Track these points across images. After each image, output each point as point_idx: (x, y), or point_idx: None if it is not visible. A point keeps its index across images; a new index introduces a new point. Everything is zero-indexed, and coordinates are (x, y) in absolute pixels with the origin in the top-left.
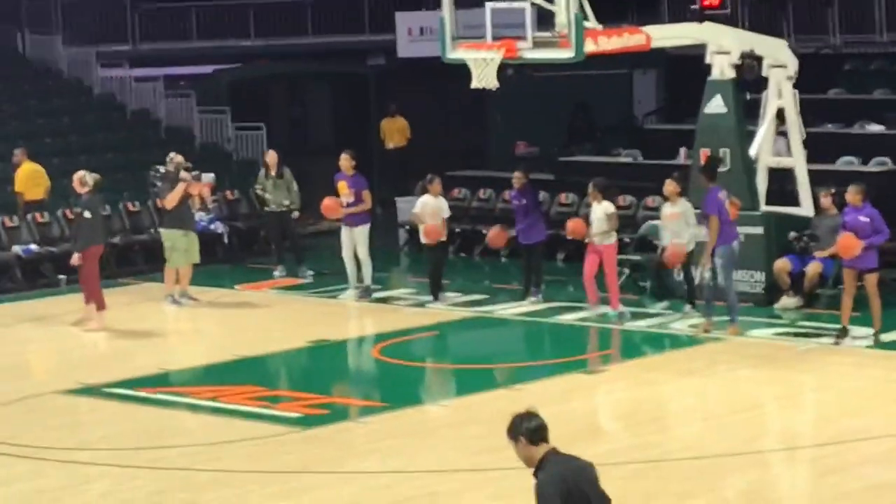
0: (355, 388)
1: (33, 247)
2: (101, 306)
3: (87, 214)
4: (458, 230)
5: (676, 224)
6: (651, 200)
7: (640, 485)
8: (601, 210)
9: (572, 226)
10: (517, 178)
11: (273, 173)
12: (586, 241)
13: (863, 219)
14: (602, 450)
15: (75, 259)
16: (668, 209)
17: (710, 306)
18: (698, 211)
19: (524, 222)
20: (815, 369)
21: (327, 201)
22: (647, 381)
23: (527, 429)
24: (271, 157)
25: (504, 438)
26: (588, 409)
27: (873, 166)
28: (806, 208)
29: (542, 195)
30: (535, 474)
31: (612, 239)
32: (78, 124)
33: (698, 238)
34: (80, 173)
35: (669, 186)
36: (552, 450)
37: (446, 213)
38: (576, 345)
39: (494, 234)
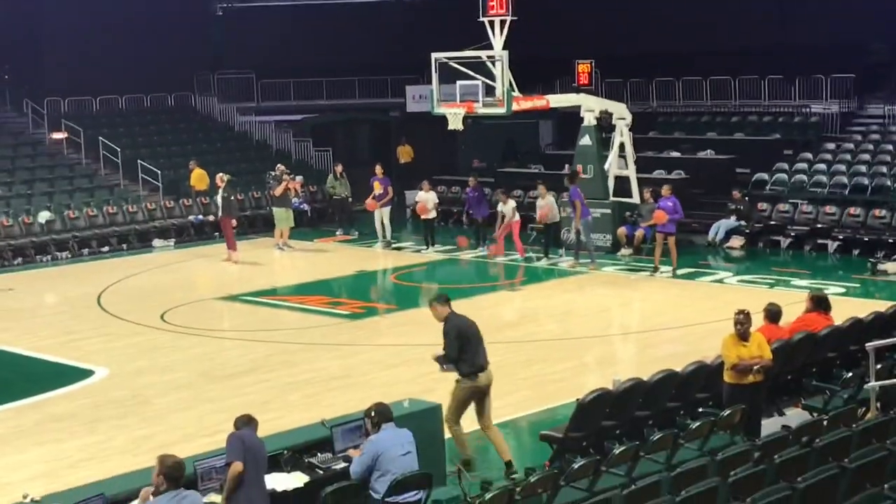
0: (381, 298)
1: (200, 217)
2: (234, 249)
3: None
4: (439, 210)
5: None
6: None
7: (536, 353)
8: (544, 201)
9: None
10: (472, 180)
11: (338, 176)
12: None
13: (670, 204)
14: (517, 333)
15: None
16: (541, 201)
17: (577, 254)
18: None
19: (476, 206)
20: (640, 289)
21: (368, 202)
22: (543, 295)
23: (440, 297)
24: (338, 167)
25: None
26: (508, 310)
27: (673, 175)
28: (635, 198)
29: (486, 190)
30: (445, 319)
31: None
32: (224, 148)
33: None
34: (220, 175)
35: (541, 188)
36: (452, 311)
37: (435, 201)
38: (506, 275)
39: (461, 241)
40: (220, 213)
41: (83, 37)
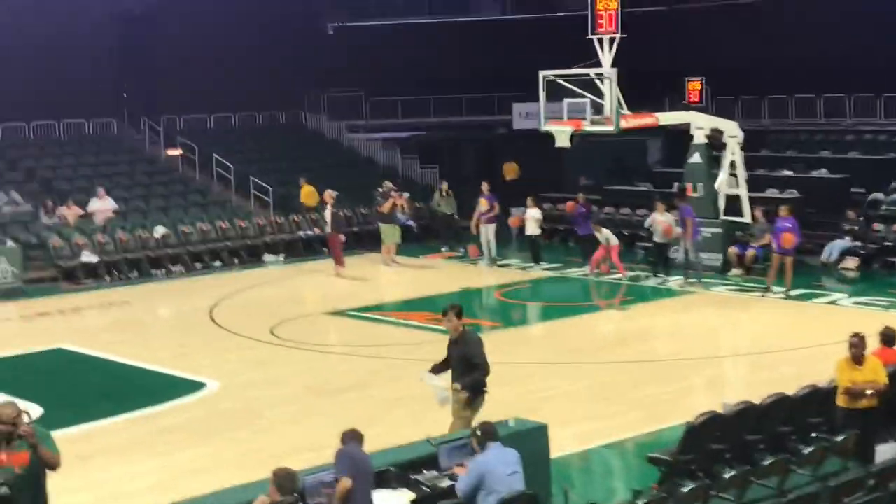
0: (485, 314)
1: (309, 232)
2: (342, 265)
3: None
4: (544, 227)
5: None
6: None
7: (645, 374)
8: (663, 217)
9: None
10: (579, 197)
11: (444, 194)
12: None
13: (788, 225)
14: (626, 353)
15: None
16: (658, 216)
17: (686, 273)
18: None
19: (582, 224)
20: (751, 310)
21: (511, 219)
22: (652, 315)
23: (455, 310)
24: (444, 184)
25: (569, 344)
26: (616, 330)
27: (786, 194)
28: (746, 218)
29: (593, 208)
30: (463, 333)
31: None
32: (333, 165)
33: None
34: (328, 191)
35: (659, 205)
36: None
37: (539, 218)
38: (613, 293)
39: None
40: (328, 229)
41: (198, 56)
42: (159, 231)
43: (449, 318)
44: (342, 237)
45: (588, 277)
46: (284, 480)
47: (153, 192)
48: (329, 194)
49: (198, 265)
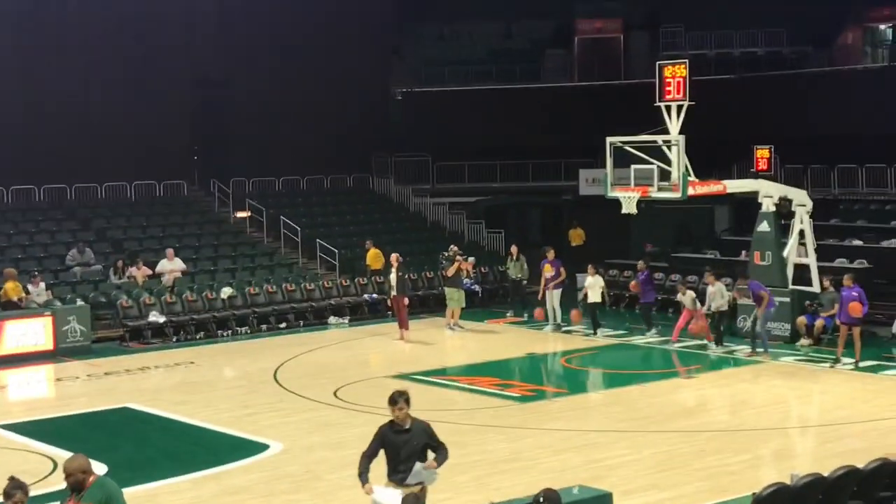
0: (551, 381)
1: (374, 295)
2: (406, 328)
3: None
4: (609, 294)
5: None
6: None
7: (711, 444)
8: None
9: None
10: (641, 264)
11: (514, 258)
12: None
13: (855, 294)
14: (691, 422)
15: (393, 300)
16: (711, 289)
17: (754, 343)
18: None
19: (644, 290)
20: (819, 381)
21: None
22: (718, 384)
23: (406, 397)
24: (514, 248)
25: (634, 412)
26: (681, 398)
27: (856, 264)
28: (815, 287)
29: (659, 275)
30: (415, 422)
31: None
32: (399, 229)
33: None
34: (395, 254)
35: (709, 276)
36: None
37: (601, 285)
38: (680, 362)
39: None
40: (393, 292)
41: (268, 120)
42: (226, 292)
43: (401, 406)
44: (407, 300)
45: (654, 346)
46: None
47: (221, 253)
48: (395, 257)
49: (263, 327)
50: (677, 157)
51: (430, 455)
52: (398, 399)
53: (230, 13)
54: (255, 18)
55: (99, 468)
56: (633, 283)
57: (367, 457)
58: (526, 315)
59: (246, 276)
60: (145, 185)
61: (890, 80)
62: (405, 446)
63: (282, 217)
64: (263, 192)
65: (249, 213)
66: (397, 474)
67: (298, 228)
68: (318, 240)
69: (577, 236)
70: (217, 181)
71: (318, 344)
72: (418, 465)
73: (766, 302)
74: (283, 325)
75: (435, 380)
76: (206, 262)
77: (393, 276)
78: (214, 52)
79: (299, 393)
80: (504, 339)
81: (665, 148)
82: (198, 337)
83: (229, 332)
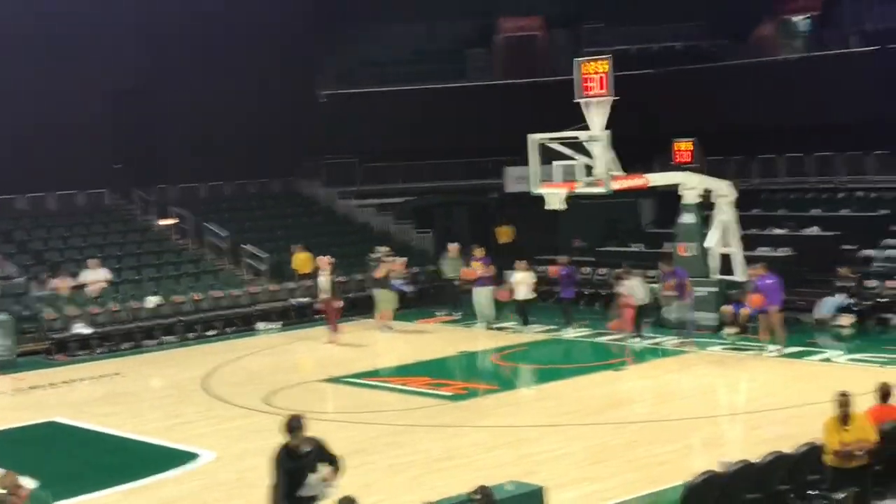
0: (482, 379)
1: (303, 299)
2: (337, 331)
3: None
4: (538, 290)
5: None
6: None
7: (642, 435)
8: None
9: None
10: (562, 260)
11: (453, 257)
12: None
13: (768, 282)
14: (621, 414)
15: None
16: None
17: (681, 333)
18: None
19: (565, 286)
20: (747, 369)
21: (464, 271)
22: (647, 375)
23: (302, 424)
24: (454, 247)
25: (565, 406)
26: (612, 391)
27: (779, 252)
28: (740, 276)
29: (587, 270)
30: (311, 442)
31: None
32: (327, 232)
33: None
34: (324, 257)
35: (624, 272)
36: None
37: (532, 281)
38: (606, 355)
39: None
40: (323, 296)
41: (191, 125)
42: (152, 301)
43: (298, 434)
44: (337, 304)
45: (584, 340)
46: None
47: (145, 262)
48: (324, 261)
49: (191, 335)
50: (601, 153)
51: (325, 468)
52: (295, 427)
53: (150, 18)
54: (176, 23)
55: (28, 484)
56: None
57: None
58: (459, 313)
59: (171, 284)
60: (67, 196)
61: (806, 70)
62: (306, 468)
63: (207, 223)
64: (188, 198)
65: (174, 220)
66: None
67: (224, 234)
68: (244, 245)
69: (505, 234)
70: (140, 189)
71: (248, 350)
72: (313, 478)
73: (687, 291)
74: (211, 332)
75: (367, 382)
76: (131, 272)
77: (323, 280)
78: (135, 59)
79: (229, 400)
80: (435, 339)
81: (589, 144)
82: (124, 347)
83: (156, 341)
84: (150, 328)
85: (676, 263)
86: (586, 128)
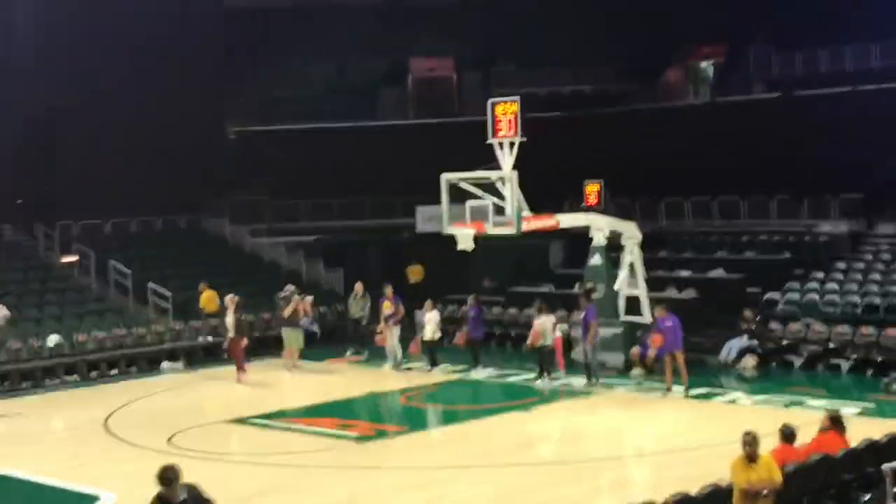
0: (391, 420)
1: (209, 338)
2: (244, 371)
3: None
4: (442, 329)
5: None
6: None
7: (550, 476)
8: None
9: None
10: (471, 300)
11: (359, 296)
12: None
13: (669, 324)
14: (530, 455)
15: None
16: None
17: (588, 374)
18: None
19: (474, 326)
20: (653, 410)
21: (377, 338)
22: (555, 416)
23: (175, 474)
24: (359, 286)
25: (474, 447)
26: (519, 432)
27: (684, 294)
28: (646, 318)
29: (497, 309)
30: (186, 489)
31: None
32: (235, 270)
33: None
34: (230, 296)
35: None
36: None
37: (437, 321)
38: (515, 395)
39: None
40: (230, 335)
41: (95, 161)
42: (53, 340)
43: (173, 485)
44: (244, 342)
45: (492, 381)
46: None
47: (47, 299)
48: (231, 299)
49: (93, 374)
50: (510, 193)
51: None
52: (170, 478)
53: (53, 49)
54: (80, 54)
55: None
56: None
57: None
58: (366, 353)
59: (74, 322)
60: None
61: (712, 115)
62: None
63: (111, 261)
64: (91, 235)
65: (77, 258)
66: None
67: (129, 272)
68: (149, 283)
69: (415, 273)
70: (42, 225)
71: (152, 390)
72: None
73: (593, 332)
74: (114, 371)
75: (273, 423)
76: (32, 309)
77: (229, 319)
78: (37, 91)
79: (132, 441)
80: (344, 379)
81: (499, 184)
82: (24, 387)
83: (57, 380)
84: (51, 367)
85: (584, 305)
86: (498, 168)
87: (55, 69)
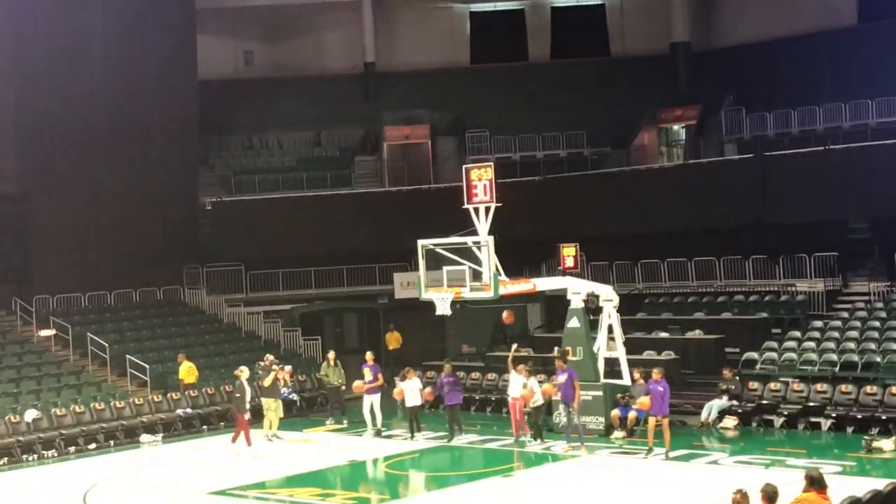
0: (373, 488)
1: (189, 410)
2: (235, 440)
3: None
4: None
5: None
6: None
7: None
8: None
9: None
10: (445, 367)
11: (332, 364)
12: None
13: (660, 388)
14: None
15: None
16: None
17: (570, 437)
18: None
19: (450, 393)
20: (635, 472)
21: (355, 385)
22: (538, 480)
23: None
24: (331, 355)
25: None
26: (502, 498)
27: (663, 356)
28: (626, 380)
29: (476, 374)
30: None
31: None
32: (213, 341)
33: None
34: (241, 368)
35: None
36: None
37: (419, 388)
38: (499, 461)
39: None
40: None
41: (72, 234)
42: (31, 415)
43: None
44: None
45: (473, 447)
46: None
47: (24, 374)
48: (242, 371)
49: (72, 449)
50: (487, 258)
51: None
52: None
53: (29, 123)
54: (56, 129)
55: None
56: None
57: None
58: (346, 421)
59: (52, 396)
60: None
61: (685, 177)
62: None
63: (88, 334)
64: (69, 308)
65: (54, 331)
66: None
67: (106, 345)
68: (127, 355)
69: (394, 340)
70: (19, 299)
71: (131, 464)
72: None
73: (578, 394)
74: (93, 446)
75: (254, 494)
76: (9, 384)
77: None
78: (13, 165)
79: None
80: (325, 448)
81: (476, 249)
82: (1, 463)
83: (35, 456)
84: (28, 443)
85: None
86: (474, 234)
87: (32, 145)
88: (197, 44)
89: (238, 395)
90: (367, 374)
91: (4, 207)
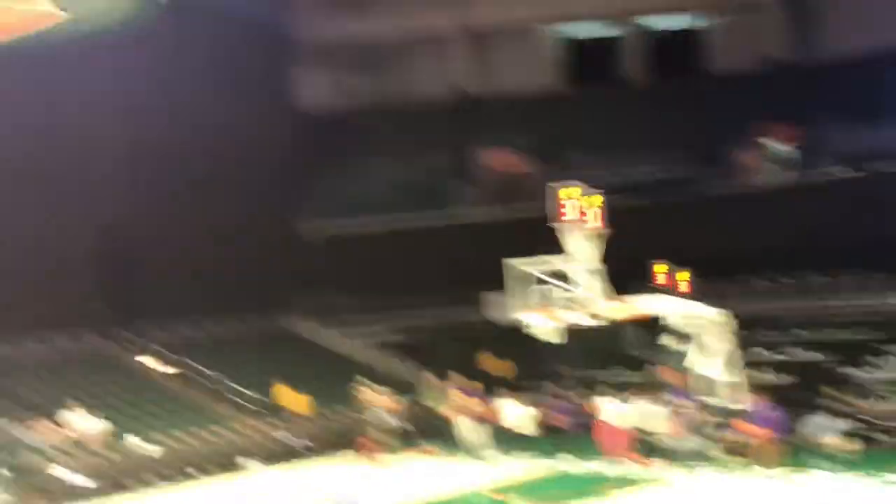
0: None
1: (288, 436)
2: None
3: None
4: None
5: None
6: None
7: None
8: None
9: None
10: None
11: (432, 387)
12: None
13: (774, 414)
14: None
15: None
16: None
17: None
18: None
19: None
20: (750, 492)
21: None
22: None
23: None
24: (430, 377)
25: None
26: None
27: (778, 378)
28: (734, 403)
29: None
30: None
31: None
32: (312, 365)
33: None
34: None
35: None
36: None
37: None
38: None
39: None
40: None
41: (175, 261)
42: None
43: None
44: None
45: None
46: None
47: (128, 400)
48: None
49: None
50: (599, 282)
51: None
52: None
53: (129, 155)
54: (166, 162)
55: None
56: None
57: None
58: (441, 447)
59: (152, 421)
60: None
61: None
62: None
63: (188, 360)
64: (170, 335)
65: (171, 370)
66: None
67: (208, 371)
68: (226, 381)
69: (493, 363)
70: (121, 328)
71: (231, 490)
72: None
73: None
74: (191, 469)
75: None
76: (115, 413)
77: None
78: (118, 195)
79: None
80: (423, 474)
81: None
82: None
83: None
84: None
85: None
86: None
87: (136, 174)
88: (299, 76)
89: None
90: (459, 396)
91: (109, 236)
